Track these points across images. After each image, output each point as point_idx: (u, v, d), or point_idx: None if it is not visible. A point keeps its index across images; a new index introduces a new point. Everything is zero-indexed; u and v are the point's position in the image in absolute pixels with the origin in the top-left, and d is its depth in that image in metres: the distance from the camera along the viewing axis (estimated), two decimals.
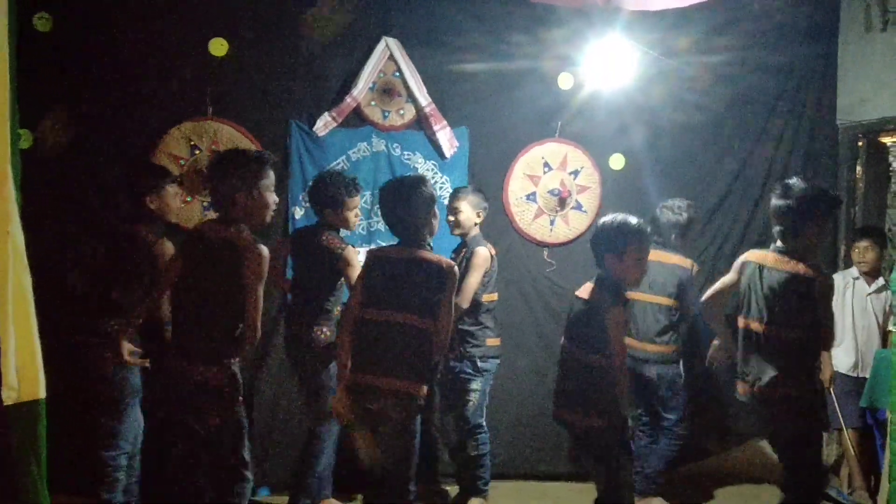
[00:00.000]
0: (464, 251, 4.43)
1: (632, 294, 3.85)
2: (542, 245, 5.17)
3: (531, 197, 5.12)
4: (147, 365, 3.74)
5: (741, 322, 3.65)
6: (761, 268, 3.57)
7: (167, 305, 3.58)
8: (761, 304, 3.54)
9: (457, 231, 4.47)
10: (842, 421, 4.83)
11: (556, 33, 4.97)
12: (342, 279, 4.11)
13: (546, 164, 5.12)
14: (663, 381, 4.54)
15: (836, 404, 4.86)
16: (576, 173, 5.15)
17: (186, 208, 4.57)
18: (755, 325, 3.56)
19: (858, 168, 5.40)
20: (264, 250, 3.26)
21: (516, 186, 5.12)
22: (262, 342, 4.40)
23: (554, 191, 5.11)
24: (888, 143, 5.57)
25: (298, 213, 4.78)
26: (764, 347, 3.52)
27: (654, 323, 4.53)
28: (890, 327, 4.81)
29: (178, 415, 3.50)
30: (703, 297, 3.80)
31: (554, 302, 5.12)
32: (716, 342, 4.01)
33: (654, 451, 4.62)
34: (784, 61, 5.30)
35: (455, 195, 4.49)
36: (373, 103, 4.86)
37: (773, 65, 5.28)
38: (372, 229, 4.87)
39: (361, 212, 4.81)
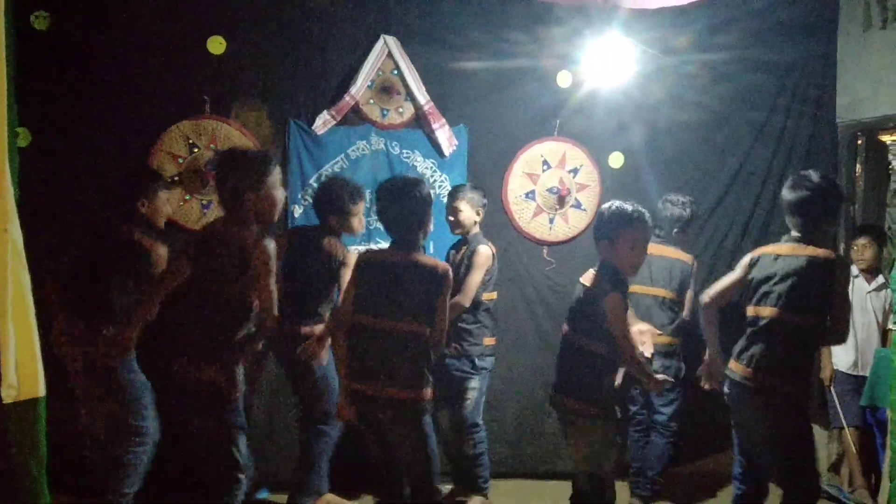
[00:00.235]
0: (464, 249, 4.42)
1: (632, 287, 3.84)
2: (541, 243, 5.16)
3: (530, 195, 5.12)
4: None
5: (750, 311, 3.59)
6: (776, 257, 3.56)
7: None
8: (777, 290, 3.49)
9: (458, 230, 4.47)
10: (842, 420, 4.83)
11: (555, 31, 4.96)
12: (338, 283, 4.12)
13: (545, 163, 5.12)
14: (666, 374, 4.52)
15: (836, 403, 4.87)
16: (575, 171, 5.15)
17: (185, 207, 4.57)
18: (766, 312, 3.50)
19: (858, 166, 5.39)
20: (271, 245, 3.29)
21: (515, 185, 5.11)
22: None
23: (553, 189, 5.11)
24: (887, 142, 5.57)
25: (298, 211, 4.77)
26: (772, 333, 3.48)
27: (654, 314, 4.53)
28: (890, 325, 4.81)
29: (177, 414, 3.50)
30: (707, 295, 3.72)
31: (553, 300, 5.11)
32: (706, 357, 3.86)
33: (651, 450, 4.62)
34: (783, 59, 5.29)
35: (454, 195, 4.49)
36: (371, 101, 4.85)
37: (773, 63, 5.28)
38: (371, 228, 4.86)
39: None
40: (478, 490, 4.49)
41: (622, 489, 4.04)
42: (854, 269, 4.97)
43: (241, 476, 3.43)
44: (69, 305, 3.86)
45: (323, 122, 4.75)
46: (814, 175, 3.56)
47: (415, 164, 4.93)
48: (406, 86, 4.86)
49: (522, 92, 5.05)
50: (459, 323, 4.31)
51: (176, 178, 4.53)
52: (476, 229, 4.46)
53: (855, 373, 4.87)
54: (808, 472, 3.52)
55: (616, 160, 5.19)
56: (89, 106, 4.43)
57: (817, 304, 3.46)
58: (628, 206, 3.36)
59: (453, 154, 4.97)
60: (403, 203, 3.40)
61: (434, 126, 4.88)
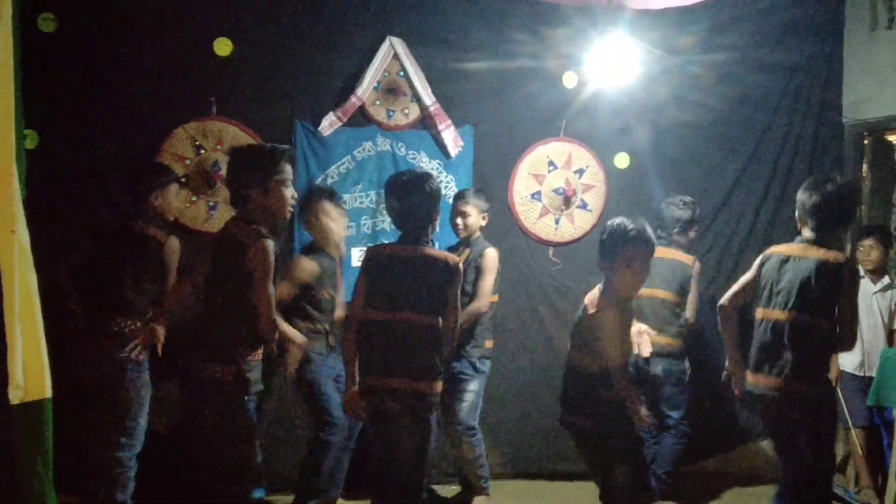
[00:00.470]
0: (466, 252, 4.40)
1: None
2: (547, 244, 5.17)
3: (536, 196, 5.12)
4: None
5: (760, 314, 3.56)
6: (787, 258, 3.54)
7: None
8: (787, 292, 3.47)
9: (464, 234, 4.47)
10: (849, 420, 4.82)
11: (560, 32, 4.98)
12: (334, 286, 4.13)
13: (551, 163, 5.12)
14: (670, 377, 4.53)
15: (842, 403, 4.85)
16: (581, 172, 5.15)
17: (192, 208, 4.58)
18: (777, 315, 3.48)
19: (864, 166, 5.39)
20: (268, 244, 3.20)
21: (521, 185, 5.11)
22: None
23: (559, 189, 5.11)
24: (894, 141, 5.56)
25: None
26: (786, 336, 3.44)
27: (653, 316, 4.51)
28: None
29: (189, 412, 3.50)
30: (724, 297, 3.68)
31: (559, 301, 5.12)
32: (727, 363, 3.79)
33: (662, 451, 4.61)
34: (789, 59, 5.29)
35: (462, 199, 4.48)
36: (377, 103, 4.86)
37: (778, 63, 5.28)
38: (377, 228, 4.87)
39: (366, 211, 4.83)
40: (480, 491, 4.50)
41: None
42: (860, 270, 4.96)
43: (249, 476, 3.42)
44: (83, 302, 3.88)
45: (329, 124, 4.76)
46: (833, 178, 3.54)
47: (420, 164, 4.93)
48: (412, 87, 4.87)
49: (528, 92, 5.06)
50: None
51: (183, 180, 4.54)
52: (478, 233, 4.47)
53: (861, 373, 4.86)
54: (826, 474, 3.51)
55: (622, 161, 5.19)
56: (96, 108, 4.44)
57: (827, 305, 3.44)
58: (629, 224, 3.19)
59: (459, 155, 4.97)
60: (413, 197, 3.40)
61: (440, 127, 4.88)
